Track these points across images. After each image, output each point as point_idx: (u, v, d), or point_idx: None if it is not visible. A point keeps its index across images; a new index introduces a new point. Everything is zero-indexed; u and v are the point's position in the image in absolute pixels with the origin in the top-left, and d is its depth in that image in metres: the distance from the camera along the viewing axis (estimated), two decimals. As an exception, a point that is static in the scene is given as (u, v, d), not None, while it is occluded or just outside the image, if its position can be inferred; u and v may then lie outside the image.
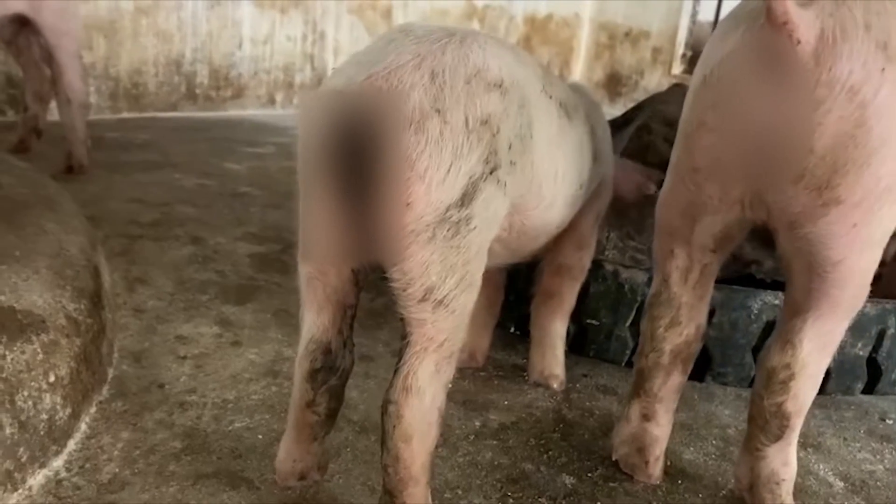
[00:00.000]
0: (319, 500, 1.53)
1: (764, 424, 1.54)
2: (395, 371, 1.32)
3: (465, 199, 1.22)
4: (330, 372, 1.44)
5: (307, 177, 1.29)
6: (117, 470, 1.54)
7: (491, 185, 1.26)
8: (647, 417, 1.70)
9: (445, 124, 1.18)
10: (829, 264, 1.38)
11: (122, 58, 4.97)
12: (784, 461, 1.57)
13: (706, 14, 7.48)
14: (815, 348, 1.48)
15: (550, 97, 1.53)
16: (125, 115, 5.02)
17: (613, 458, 1.75)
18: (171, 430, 1.69)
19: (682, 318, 1.62)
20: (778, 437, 1.54)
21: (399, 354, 1.33)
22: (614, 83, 8.17)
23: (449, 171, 1.19)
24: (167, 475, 1.54)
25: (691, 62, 7.57)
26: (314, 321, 1.42)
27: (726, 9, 6.93)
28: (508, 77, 1.31)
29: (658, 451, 1.71)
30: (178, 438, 1.66)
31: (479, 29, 7.09)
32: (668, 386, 1.67)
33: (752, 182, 1.40)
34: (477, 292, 1.35)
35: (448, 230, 1.21)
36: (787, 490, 1.58)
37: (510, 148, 1.30)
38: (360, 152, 1.17)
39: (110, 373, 1.87)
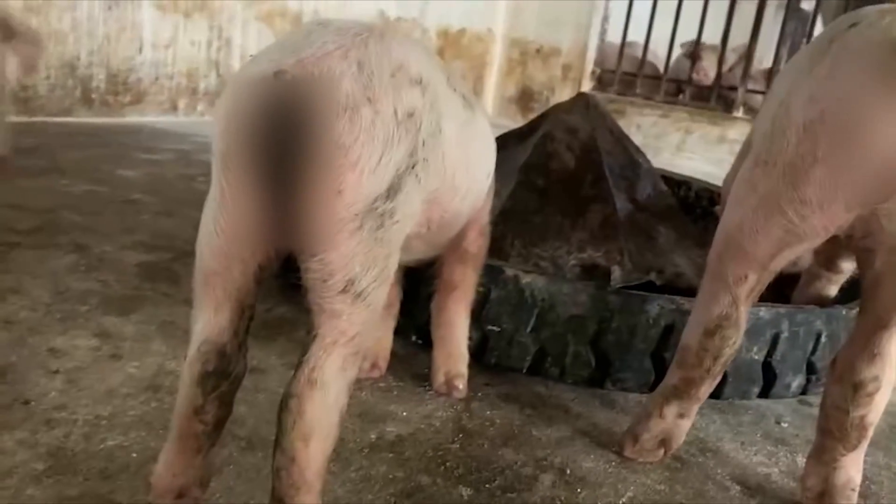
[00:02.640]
0: (196, 522, 1.42)
1: (844, 436, 1.63)
2: (299, 365, 1.26)
3: (391, 191, 1.21)
4: (222, 377, 1.34)
5: (227, 162, 1.22)
6: (-34, 496, 1.39)
7: (412, 179, 1.26)
8: (682, 416, 1.82)
9: (377, 114, 1.17)
10: None
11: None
12: (858, 468, 1.67)
13: (614, 34, 7.67)
14: None
15: (455, 90, 1.54)
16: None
17: (630, 451, 1.84)
18: (33, 450, 1.54)
19: (741, 334, 1.70)
20: (856, 447, 1.63)
21: (303, 349, 1.27)
22: (526, 98, 8.26)
23: (380, 161, 1.17)
24: (24, 499, 1.39)
25: (600, 80, 7.74)
26: (209, 321, 1.33)
27: (634, 28, 7.11)
28: (426, 74, 1.32)
29: (681, 440, 1.85)
30: (40, 459, 1.52)
31: (392, 41, 7.05)
32: (710, 389, 1.79)
33: (868, 209, 1.44)
34: (388, 289, 1.33)
35: (374, 222, 1.20)
36: (856, 494, 1.68)
37: (424, 144, 1.30)
38: (290, 137, 1.13)
39: (-33, 389, 1.70)
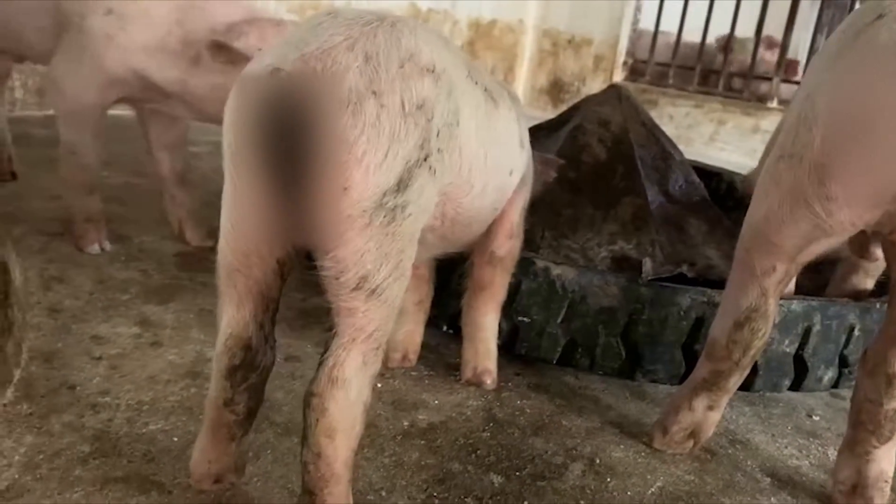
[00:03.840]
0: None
1: (877, 428, 1.63)
2: (321, 363, 1.27)
3: (401, 185, 1.18)
4: (250, 369, 1.38)
5: (236, 161, 1.23)
6: (17, 476, 1.44)
7: (424, 172, 1.23)
8: (711, 408, 1.82)
9: (382, 107, 1.14)
10: None
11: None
12: (890, 460, 1.67)
13: (647, 23, 7.59)
14: None
15: (476, 83, 1.51)
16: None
17: (660, 443, 1.87)
18: (79, 434, 1.60)
19: (770, 325, 1.70)
20: (889, 439, 1.64)
21: (325, 346, 1.28)
22: (557, 90, 8.23)
23: (387, 155, 1.15)
24: (72, 480, 1.45)
25: (632, 70, 7.68)
26: (234, 316, 1.35)
27: (667, 17, 7.04)
28: (439, 62, 1.29)
29: (710, 432, 1.87)
30: (86, 442, 1.58)
31: (423, 32, 7.06)
32: (740, 380, 1.80)
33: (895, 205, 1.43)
34: (407, 283, 1.32)
35: (384, 217, 1.18)
36: (889, 486, 1.69)
37: (438, 134, 1.28)
38: (294, 135, 1.12)
39: (17, 374, 1.77)
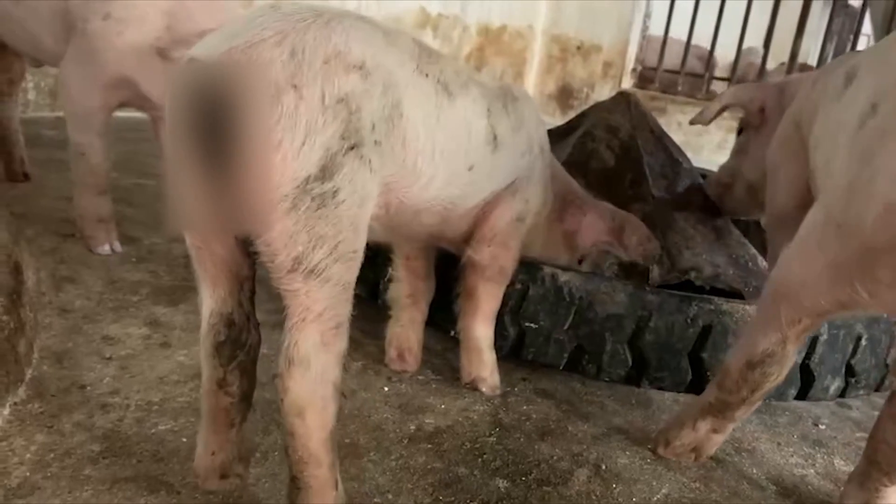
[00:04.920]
0: (243, 504, 1.48)
1: (891, 470, 1.59)
2: (280, 346, 1.31)
3: (326, 172, 1.24)
4: (236, 345, 1.41)
5: (172, 147, 1.28)
6: (28, 474, 1.46)
7: (353, 161, 1.28)
8: (716, 431, 1.82)
9: (301, 99, 1.21)
10: None
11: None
12: None
13: (656, 29, 7.60)
14: None
15: (427, 76, 1.54)
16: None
17: (663, 452, 1.87)
18: (89, 433, 1.62)
19: (785, 371, 1.67)
20: None
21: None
22: (566, 96, 8.25)
23: (304, 143, 1.21)
24: (82, 479, 1.47)
25: (641, 77, 7.69)
26: (211, 294, 1.40)
27: (676, 25, 7.05)
28: (372, 59, 1.34)
29: (713, 451, 1.88)
30: (96, 441, 1.59)
31: (433, 38, 7.09)
32: (746, 414, 1.79)
33: None
34: (357, 266, 1.36)
35: (311, 201, 1.23)
36: None
37: (374, 128, 1.33)
38: (217, 123, 1.18)
39: (28, 373, 1.78)
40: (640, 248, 2.13)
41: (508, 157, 1.86)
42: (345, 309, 1.35)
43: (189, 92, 1.21)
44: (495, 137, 1.79)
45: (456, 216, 1.82)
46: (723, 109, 2.61)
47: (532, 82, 8.45)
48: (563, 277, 2.10)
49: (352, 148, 1.27)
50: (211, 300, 1.40)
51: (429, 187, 1.61)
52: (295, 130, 1.20)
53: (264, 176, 1.20)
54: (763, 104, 2.53)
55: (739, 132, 2.73)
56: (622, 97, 3.05)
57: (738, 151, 2.73)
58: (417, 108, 1.49)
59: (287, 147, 1.19)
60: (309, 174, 1.22)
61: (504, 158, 1.84)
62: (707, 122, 2.62)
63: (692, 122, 2.67)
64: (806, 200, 2.16)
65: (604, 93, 7.77)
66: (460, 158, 1.69)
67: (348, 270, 1.33)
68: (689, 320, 2.09)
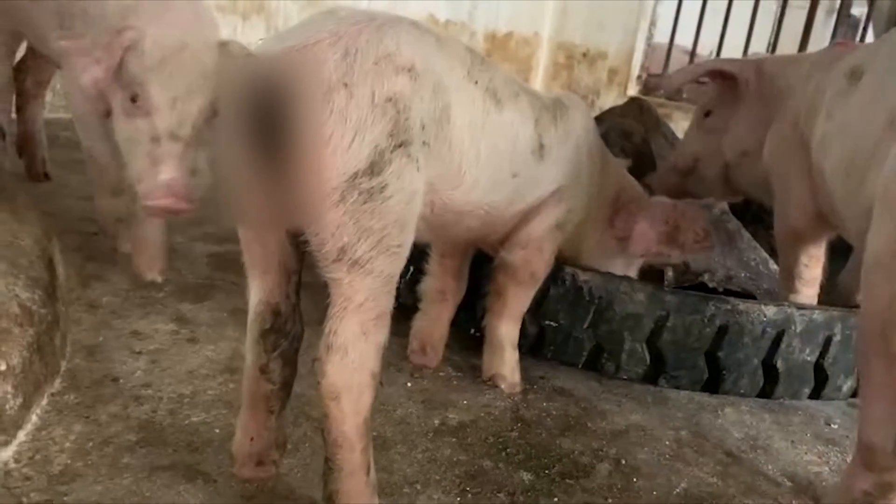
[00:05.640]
0: (277, 493, 1.52)
1: None
2: (322, 330, 1.36)
3: (374, 168, 1.28)
4: (280, 334, 1.47)
5: (227, 142, 1.34)
6: (69, 461, 1.50)
7: (401, 159, 1.33)
8: None
9: (351, 97, 1.26)
10: None
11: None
12: None
13: (661, 37, 7.66)
14: None
15: (476, 83, 1.60)
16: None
17: None
18: (125, 423, 1.66)
19: None
20: None
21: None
22: (572, 102, 8.29)
23: (353, 139, 1.26)
24: (121, 467, 1.51)
25: (646, 84, 7.74)
26: (260, 284, 1.46)
27: (681, 33, 7.10)
28: (422, 63, 1.39)
29: None
30: (132, 431, 1.63)
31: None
32: None
33: None
34: (401, 261, 1.40)
35: (359, 195, 1.28)
36: None
37: (423, 128, 1.39)
38: (272, 118, 1.23)
39: (63, 365, 1.83)
40: (696, 245, 2.16)
41: (554, 167, 1.91)
42: (386, 301, 1.38)
43: (246, 88, 1.26)
44: (541, 147, 1.84)
45: (499, 221, 1.88)
46: (700, 76, 2.62)
47: (538, 88, 8.50)
48: (583, 277, 2.15)
49: (400, 146, 1.32)
50: (259, 290, 1.45)
51: (473, 191, 1.66)
52: (345, 126, 1.25)
53: (315, 169, 1.25)
54: (748, 78, 2.52)
55: (707, 115, 2.70)
56: (634, 102, 3.12)
57: (710, 131, 2.68)
58: (465, 113, 1.54)
59: (337, 142, 1.25)
60: (358, 169, 1.27)
61: (549, 167, 1.89)
62: (676, 87, 2.59)
63: (660, 88, 2.67)
64: (819, 211, 2.18)
65: (609, 100, 7.81)
66: (505, 165, 1.73)
67: (392, 264, 1.37)
68: (706, 320, 2.13)
